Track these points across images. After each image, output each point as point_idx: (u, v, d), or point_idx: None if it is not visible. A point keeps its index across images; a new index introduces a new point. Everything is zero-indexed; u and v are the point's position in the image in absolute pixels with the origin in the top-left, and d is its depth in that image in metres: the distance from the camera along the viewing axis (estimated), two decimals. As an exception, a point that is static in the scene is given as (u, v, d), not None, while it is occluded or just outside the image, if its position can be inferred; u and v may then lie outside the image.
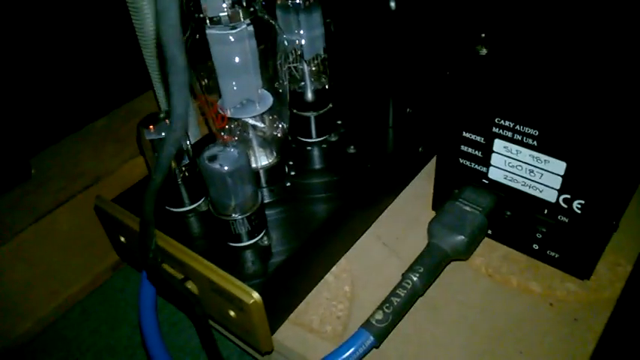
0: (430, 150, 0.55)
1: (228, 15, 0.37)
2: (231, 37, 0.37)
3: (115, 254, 0.69)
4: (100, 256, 0.67)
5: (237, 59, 0.39)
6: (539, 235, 0.44)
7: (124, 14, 0.50)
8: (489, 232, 0.47)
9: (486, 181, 0.44)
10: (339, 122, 0.52)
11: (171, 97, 0.24)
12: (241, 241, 0.41)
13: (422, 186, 0.54)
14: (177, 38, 0.22)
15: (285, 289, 0.42)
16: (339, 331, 0.43)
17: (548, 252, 0.44)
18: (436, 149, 0.47)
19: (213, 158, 0.37)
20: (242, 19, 0.37)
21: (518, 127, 0.40)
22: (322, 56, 0.46)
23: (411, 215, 0.52)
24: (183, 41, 0.23)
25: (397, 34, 0.45)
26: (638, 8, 0.32)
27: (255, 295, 0.37)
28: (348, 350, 0.37)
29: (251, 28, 0.38)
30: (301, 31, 0.44)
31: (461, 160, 0.45)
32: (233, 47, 0.38)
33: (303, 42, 0.45)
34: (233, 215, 0.39)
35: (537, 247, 0.45)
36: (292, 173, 0.47)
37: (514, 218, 0.45)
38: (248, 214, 0.39)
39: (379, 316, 0.38)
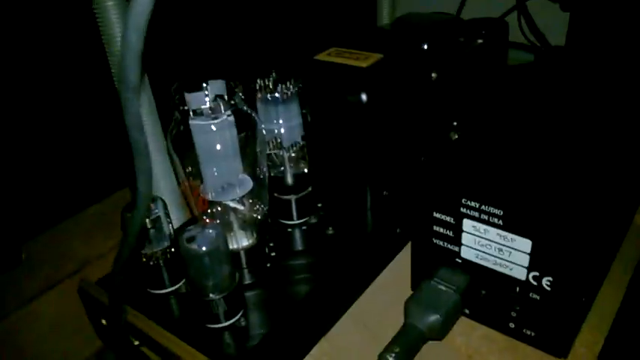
0: (408, 231, 0.57)
1: (210, 107, 0.40)
2: (213, 127, 0.40)
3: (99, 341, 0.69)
4: (87, 341, 0.67)
5: (218, 147, 0.41)
6: (513, 314, 0.44)
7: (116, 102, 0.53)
8: (467, 311, 0.48)
9: (460, 260, 0.46)
10: (319, 205, 0.54)
11: (136, 179, 0.26)
12: (219, 322, 0.41)
13: (402, 267, 0.55)
14: (139, 124, 0.25)
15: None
16: (317, 415, 0.42)
17: (524, 330, 0.45)
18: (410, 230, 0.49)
19: (191, 239, 0.39)
20: (223, 111, 0.41)
21: (483, 207, 0.42)
22: (300, 143, 0.49)
23: (391, 295, 0.52)
24: (142, 126, 0.26)
25: (369, 125, 0.49)
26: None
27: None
28: None
29: (231, 118, 0.41)
30: (280, 121, 0.47)
31: (434, 240, 0.46)
32: (214, 136, 0.41)
33: (282, 131, 0.48)
34: (210, 295, 0.40)
35: (514, 326, 0.45)
36: (273, 254, 0.49)
37: (489, 297, 0.45)
38: (225, 294, 0.40)
39: (355, 397, 0.38)
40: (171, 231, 0.45)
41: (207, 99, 0.40)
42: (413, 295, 0.45)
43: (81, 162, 0.76)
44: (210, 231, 0.39)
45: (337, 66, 0.47)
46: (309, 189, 0.51)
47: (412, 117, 0.53)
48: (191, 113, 0.40)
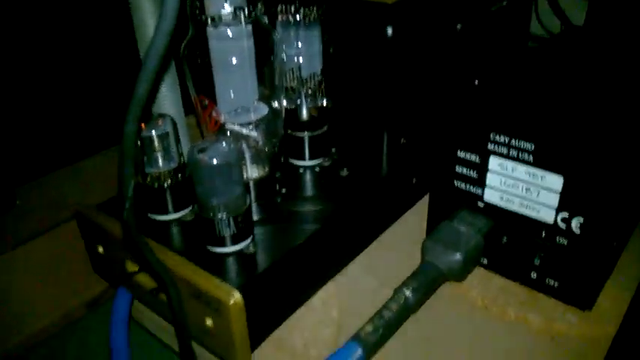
0: (424, 184, 0.54)
1: (229, 14, 0.38)
2: (230, 33, 0.38)
3: (91, 291, 0.66)
4: (76, 291, 0.64)
5: (234, 59, 0.39)
6: (537, 262, 0.42)
7: (125, 54, 0.51)
8: (485, 261, 0.45)
9: (482, 204, 0.43)
10: (334, 150, 0.51)
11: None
12: (225, 245, 0.38)
13: (415, 221, 0.53)
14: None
15: (268, 301, 0.39)
16: (324, 355, 0.39)
17: (547, 280, 0.42)
18: (430, 177, 0.46)
19: (202, 151, 0.36)
20: (242, 20, 0.38)
21: (513, 141, 0.39)
22: (319, 76, 0.47)
23: (403, 248, 0.50)
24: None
25: (392, 61, 0.46)
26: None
27: (237, 295, 0.34)
28: (335, 362, 0.34)
29: (250, 28, 0.39)
30: (299, 48, 0.45)
31: (456, 183, 0.44)
32: (231, 45, 0.38)
33: (300, 59, 0.45)
34: (218, 215, 0.37)
35: (536, 276, 0.43)
36: (283, 191, 0.46)
37: (511, 244, 0.43)
38: (234, 215, 0.38)
39: (369, 328, 0.35)
40: (182, 152, 0.42)
41: (226, 4, 0.37)
42: (431, 234, 0.42)
43: (82, 113, 0.74)
44: (224, 144, 0.37)
45: (363, 1, 0.45)
46: (325, 128, 0.48)
47: (435, 64, 0.51)
48: (209, 20, 0.38)
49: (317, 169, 0.49)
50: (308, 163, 0.49)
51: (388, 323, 0.36)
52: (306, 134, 0.48)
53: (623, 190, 0.36)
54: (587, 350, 0.39)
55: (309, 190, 0.47)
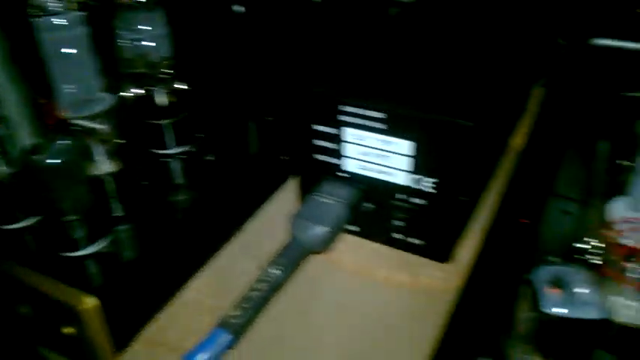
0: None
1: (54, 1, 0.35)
2: (58, 22, 0.35)
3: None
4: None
5: (67, 48, 0.36)
6: (398, 223, 0.44)
7: None
8: (355, 228, 0.47)
9: (343, 174, 0.44)
10: (200, 136, 0.50)
11: None
12: (78, 249, 0.36)
13: (292, 197, 0.53)
14: None
15: (131, 300, 0.38)
16: (200, 344, 0.39)
17: (409, 240, 0.44)
18: (291, 152, 0.46)
19: (37, 151, 0.34)
20: (72, 7, 0.36)
21: (363, 112, 0.40)
22: (171, 60, 0.45)
23: (280, 225, 0.50)
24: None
25: (246, 39, 0.46)
26: None
27: (89, 300, 0.33)
28: (203, 350, 0.34)
29: (79, 15, 0.36)
30: (143, 31, 0.43)
31: (315, 156, 0.45)
32: (63, 34, 0.36)
33: (147, 43, 0.43)
34: (67, 217, 0.35)
35: (399, 237, 0.45)
36: (144, 183, 0.45)
37: (375, 209, 0.44)
38: (83, 216, 0.36)
39: (236, 312, 0.35)
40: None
41: (49, -10, 0.34)
42: (297, 209, 0.43)
43: None
44: (59, 142, 0.34)
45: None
46: (185, 114, 0.47)
47: (288, 40, 0.51)
48: (36, 11, 0.35)
49: (181, 156, 0.48)
50: (171, 151, 0.47)
51: (256, 304, 0.36)
52: (164, 121, 0.46)
53: (469, 150, 0.38)
54: (450, 299, 0.42)
55: (173, 180, 0.46)
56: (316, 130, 0.43)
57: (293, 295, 0.43)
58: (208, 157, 0.48)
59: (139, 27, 0.42)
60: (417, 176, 0.41)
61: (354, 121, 0.41)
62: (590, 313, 0.22)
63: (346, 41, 0.42)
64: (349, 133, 0.42)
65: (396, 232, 0.44)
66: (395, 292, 0.43)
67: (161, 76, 0.45)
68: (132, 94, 0.43)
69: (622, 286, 0.27)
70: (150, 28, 0.43)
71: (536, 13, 0.50)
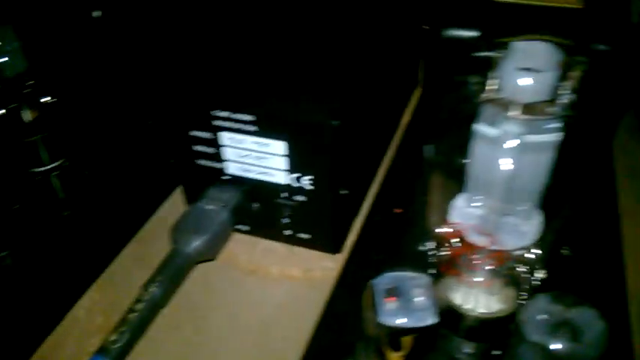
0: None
1: None
2: None
3: None
4: None
5: None
6: (286, 220, 0.44)
7: None
8: (246, 228, 0.47)
9: (227, 177, 0.44)
10: (76, 149, 0.48)
11: None
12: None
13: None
14: None
15: (11, 330, 0.37)
16: (91, 367, 0.38)
17: (298, 235, 0.45)
18: (174, 160, 0.45)
19: None
20: None
21: (235, 115, 0.40)
22: (25, 76, 0.42)
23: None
24: None
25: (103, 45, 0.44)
26: None
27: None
28: (81, 381, 0.33)
29: None
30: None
31: (197, 161, 0.44)
32: None
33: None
34: None
35: (289, 233, 0.45)
36: (16, 207, 0.43)
37: (262, 208, 0.45)
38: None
39: (114, 337, 0.35)
40: None
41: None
42: (178, 219, 0.42)
43: None
44: None
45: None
46: (54, 129, 0.45)
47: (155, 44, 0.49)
48: None
49: (56, 172, 0.46)
50: (45, 168, 0.45)
51: (135, 325, 0.36)
52: (33, 138, 0.44)
53: (339, 147, 0.39)
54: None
55: (53, 197, 0.44)
56: (194, 136, 0.43)
57: (189, 300, 0.43)
58: (86, 171, 0.46)
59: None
60: (295, 174, 0.41)
61: (228, 125, 0.41)
62: (426, 320, 0.24)
63: (214, 43, 0.41)
64: (226, 137, 0.42)
65: (285, 229, 0.45)
66: (288, 288, 0.44)
67: (23, 91, 0.43)
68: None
69: (462, 282, 0.29)
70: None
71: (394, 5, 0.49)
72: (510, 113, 0.22)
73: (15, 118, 0.43)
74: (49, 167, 0.45)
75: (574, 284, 0.34)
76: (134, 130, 0.48)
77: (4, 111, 0.42)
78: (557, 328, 0.23)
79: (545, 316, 0.23)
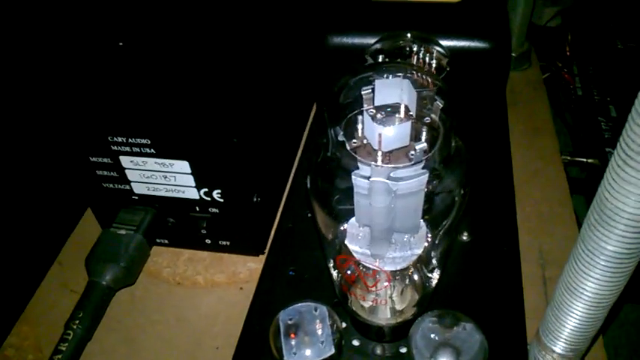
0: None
1: None
2: None
3: None
4: None
5: None
6: (204, 231, 0.44)
7: None
8: (166, 241, 0.47)
9: (136, 197, 0.43)
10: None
11: None
12: None
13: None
14: None
15: None
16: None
17: (220, 242, 0.45)
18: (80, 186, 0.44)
19: None
20: None
21: (131, 139, 0.39)
22: None
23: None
24: None
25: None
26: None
27: None
28: None
29: None
30: None
31: (104, 184, 0.43)
32: None
33: None
34: None
35: (210, 242, 0.45)
36: None
37: (178, 223, 0.44)
38: None
39: (42, 383, 0.35)
40: None
41: None
42: (91, 249, 0.42)
43: None
44: None
45: None
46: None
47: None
48: None
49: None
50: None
51: (64, 365, 0.36)
52: None
53: (240, 161, 0.38)
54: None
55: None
56: (95, 162, 0.41)
57: (118, 323, 0.43)
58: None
59: None
60: (204, 189, 0.41)
61: (127, 149, 0.40)
62: (325, 353, 0.25)
63: (104, 66, 0.38)
64: (127, 160, 0.41)
65: (205, 239, 0.45)
66: (217, 294, 0.45)
67: None
68: None
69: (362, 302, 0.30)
70: None
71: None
72: (375, 163, 0.22)
73: None
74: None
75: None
76: (42, 148, 0.46)
77: None
78: (440, 348, 0.25)
79: (431, 336, 0.25)
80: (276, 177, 0.49)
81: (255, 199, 0.42)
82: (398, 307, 0.31)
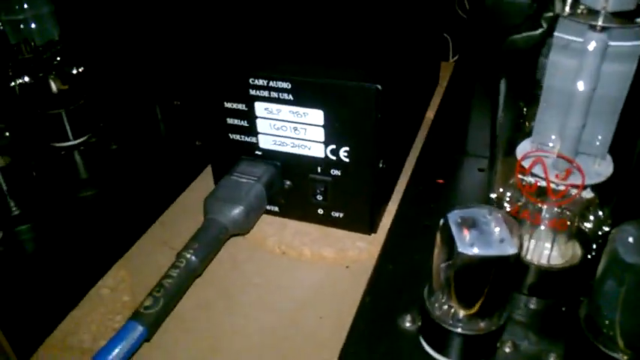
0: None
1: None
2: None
3: None
4: None
5: None
6: (320, 197, 0.43)
7: None
8: (276, 209, 0.45)
9: (260, 152, 0.43)
10: (101, 124, 0.47)
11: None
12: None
13: (209, 185, 0.51)
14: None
15: (28, 308, 0.34)
16: (117, 344, 0.36)
17: (332, 214, 0.43)
18: (205, 134, 0.44)
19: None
20: None
21: (272, 83, 0.39)
22: (58, 43, 0.42)
23: (197, 214, 0.47)
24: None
25: (144, 17, 0.43)
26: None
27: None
28: (114, 347, 0.31)
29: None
30: (25, 11, 0.39)
31: (230, 135, 0.43)
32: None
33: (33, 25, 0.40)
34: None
35: (322, 212, 0.44)
36: (42, 178, 0.41)
37: (294, 186, 0.43)
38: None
39: (148, 302, 0.33)
40: None
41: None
42: (213, 190, 0.41)
43: None
44: None
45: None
46: (82, 101, 0.44)
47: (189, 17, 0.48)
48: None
49: (82, 147, 0.44)
50: (70, 143, 0.44)
51: (170, 292, 0.34)
52: (58, 111, 0.42)
53: (378, 114, 0.38)
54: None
55: (73, 174, 0.43)
56: (228, 108, 0.41)
57: (218, 280, 0.41)
58: (113, 147, 0.44)
59: (19, 7, 0.38)
60: (331, 146, 0.40)
61: (265, 94, 0.40)
62: (506, 250, 0.22)
63: (247, 14, 0.40)
64: (261, 108, 0.40)
65: (318, 207, 0.43)
66: (322, 269, 0.42)
67: (53, 61, 0.42)
68: (21, 83, 0.40)
69: (536, 226, 0.27)
70: (29, 8, 0.39)
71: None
72: (593, 22, 0.21)
73: (41, 88, 0.42)
74: (74, 143, 0.44)
75: None
76: (161, 110, 0.47)
77: (27, 79, 0.40)
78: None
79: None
80: (400, 150, 0.48)
81: (380, 165, 0.41)
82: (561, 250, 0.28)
